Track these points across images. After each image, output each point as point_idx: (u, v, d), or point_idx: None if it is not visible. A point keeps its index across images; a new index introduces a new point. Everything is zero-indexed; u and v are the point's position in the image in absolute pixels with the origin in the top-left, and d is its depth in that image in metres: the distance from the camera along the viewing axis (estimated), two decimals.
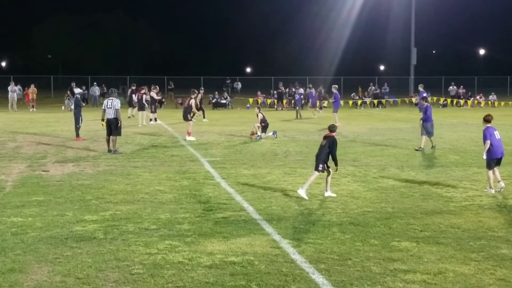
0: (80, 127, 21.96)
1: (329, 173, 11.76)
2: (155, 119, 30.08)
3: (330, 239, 8.66)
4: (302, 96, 39.50)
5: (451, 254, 7.97)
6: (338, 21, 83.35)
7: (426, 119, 19.23)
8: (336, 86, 32.20)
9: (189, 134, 22.02)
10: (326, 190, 11.79)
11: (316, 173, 11.66)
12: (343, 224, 9.54)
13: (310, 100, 40.30)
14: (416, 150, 18.86)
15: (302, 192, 11.50)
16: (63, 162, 16.31)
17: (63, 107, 42.73)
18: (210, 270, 7.30)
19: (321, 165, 11.58)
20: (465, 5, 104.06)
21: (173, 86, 57.75)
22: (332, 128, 11.89)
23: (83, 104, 22.76)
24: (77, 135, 21.84)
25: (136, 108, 30.34)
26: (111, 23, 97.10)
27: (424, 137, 19.05)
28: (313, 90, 41.72)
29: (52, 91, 61.84)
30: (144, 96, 29.70)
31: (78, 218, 9.85)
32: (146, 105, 29.60)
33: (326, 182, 11.82)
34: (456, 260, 7.70)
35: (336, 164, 11.80)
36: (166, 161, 16.38)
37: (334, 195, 11.69)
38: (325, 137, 11.81)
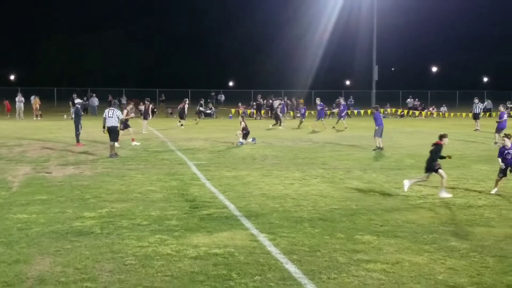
0: (79, 133, 21.77)
1: (442, 176, 11.53)
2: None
3: (301, 233, 8.66)
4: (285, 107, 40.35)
5: (407, 246, 8.01)
6: (312, 42, 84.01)
7: (380, 124, 20.88)
8: (319, 98, 34.08)
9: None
10: (441, 192, 11.54)
11: (441, 172, 11.50)
12: (313, 219, 9.55)
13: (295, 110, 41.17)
14: (374, 150, 20.19)
15: (443, 193, 11.44)
16: (65, 165, 16.14)
17: (65, 116, 42.33)
18: (195, 261, 7.25)
19: (437, 165, 11.45)
20: (421, 27, 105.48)
21: (164, 98, 57.53)
22: (442, 136, 11.74)
23: (82, 113, 22.69)
24: (77, 141, 21.63)
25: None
26: (109, 41, 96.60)
27: (377, 138, 20.67)
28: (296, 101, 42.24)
29: (55, 102, 61.29)
30: (150, 106, 30.38)
31: (77, 215, 9.75)
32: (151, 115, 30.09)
33: (441, 184, 11.57)
34: (411, 251, 7.73)
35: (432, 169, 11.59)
36: (157, 164, 16.28)
37: (449, 195, 11.42)
38: (433, 144, 11.72)
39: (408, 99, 55.22)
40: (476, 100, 34.21)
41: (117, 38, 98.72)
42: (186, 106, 33.03)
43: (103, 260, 7.27)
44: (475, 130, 30.90)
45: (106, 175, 14.22)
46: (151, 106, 30.96)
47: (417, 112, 50.19)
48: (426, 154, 18.96)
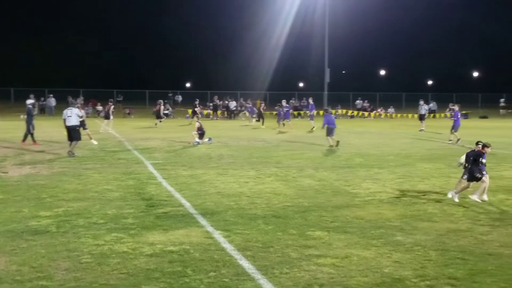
0: (33, 133, 21.25)
1: (483, 182, 10.92)
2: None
3: (255, 230, 8.67)
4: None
5: (355, 241, 8.12)
6: (268, 45, 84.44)
7: (331, 124, 22.13)
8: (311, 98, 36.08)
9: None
10: (475, 194, 10.94)
11: (485, 178, 10.86)
12: (266, 216, 9.58)
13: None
14: (329, 147, 21.10)
15: (477, 197, 10.88)
16: (21, 164, 15.71)
17: (21, 116, 41.19)
18: (151, 258, 7.17)
19: (478, 174, 10.79)
20: (370, 33, 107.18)
21: (121, 99, 56.70)
22: (485, 145, 11.10)
23: (34, 112, 22.36)
24: (33, 140, 21.12)
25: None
26: (67, 41, 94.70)
27: (329, 138, 21.71)
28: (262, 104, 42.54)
29: (12, 102, 59.61)
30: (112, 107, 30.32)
31: (33, 214, 9.50)
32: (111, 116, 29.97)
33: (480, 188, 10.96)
34: (360, 246, 7.85)
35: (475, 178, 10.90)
36: (114, 164, 16.03)
37: (480, 199, 10.87)
38: (474, 152, 11.07)
39: (358, 101, 56.10)
40: (422, 102, 34.98)
41: (75, 39, 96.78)
42: (162, 107, 36.11)
43: (59, 258, 7.11)
44: (420, 130, 31.60)
45: (62, 174, 13.92)
46: (112, 106, 30.58)
47: (366, 113, 51.03)
48: (374, 153, 19.47)
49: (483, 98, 73.18)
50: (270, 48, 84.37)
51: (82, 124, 21.95)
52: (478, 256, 7.43)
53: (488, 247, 7.86)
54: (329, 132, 21.84)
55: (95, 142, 21.25)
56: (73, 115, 18.06)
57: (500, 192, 12.01)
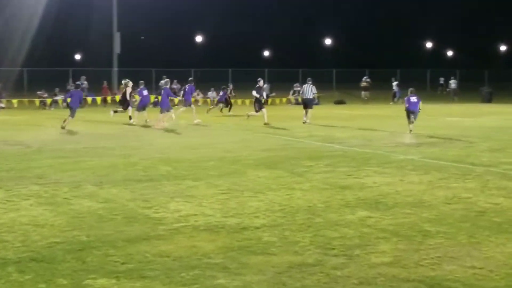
0: None
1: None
2: None
3: (4, 282, 8.31)
4: None
5: None
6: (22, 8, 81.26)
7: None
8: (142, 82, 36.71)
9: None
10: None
11: None
12: (22, 261, 9.23)
13: None
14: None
15: None
16: None
17: None
18: None
19: None
20: None
21: None
22: None
23: None
24: None
25: None
26: None
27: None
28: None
29: None
30: None
31: None
32: None
33: None
34: None
35: None
36: None
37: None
38: None
39: (163, 81, 56.09)
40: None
41: None
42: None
43: None
44: (303, 123, 33.24)
45: None
46: None
47: (176, 100, 51.67)
48: (187, 157, 19.81)
49: (338, 76, 78.28)
50: (25, 12, 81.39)
51: None
52: None
53: (344, 286, 8.34)
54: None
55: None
56: None
57: (360, 208, 12.83)
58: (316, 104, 46.42)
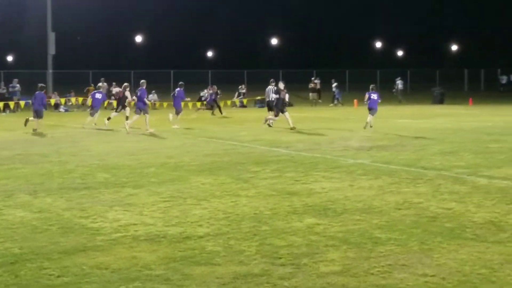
0: None
1: None
2: None
3: None
4: None
5: None
6: None
7: None
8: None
9: None
10: None
11: None
12: None
13: None
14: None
15: None
16: None
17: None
18: None
19: None
20: None
21: None
22: None
23: None
24: None
25: None
26: None
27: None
28: None
29: None
30: None
31: None
32: None
33: None
34: None
35: None
36: None
37: None
38: None
39: (100, 83, 55.50)
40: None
41: None
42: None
43: None
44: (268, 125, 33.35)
45: None
46: None
47: (114, 102, 51.24)
48: (127, 164, 19.71)
49: (285, 77, 78.46)
50: None
51: None
52: None
53: None
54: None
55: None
56: None
57: (308, 215, 12.90)
58: (290, 105, 46.72)
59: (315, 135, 29.43)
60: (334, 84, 62.21)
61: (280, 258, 10.03)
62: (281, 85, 33.76)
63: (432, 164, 19.57)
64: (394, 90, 69.37)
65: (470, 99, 61.09)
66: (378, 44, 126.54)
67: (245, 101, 57.35)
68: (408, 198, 14.39)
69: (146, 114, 32.30)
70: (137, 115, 32.94)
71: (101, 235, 11.38)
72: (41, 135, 30.35)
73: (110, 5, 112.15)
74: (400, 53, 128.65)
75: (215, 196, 14.82)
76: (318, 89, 62.96)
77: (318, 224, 12.17)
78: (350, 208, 13.41)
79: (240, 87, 60.08)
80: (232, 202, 14.15)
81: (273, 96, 35.03)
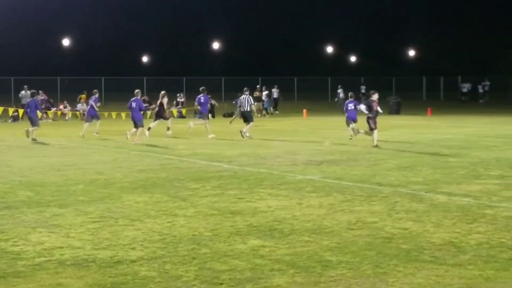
0: None
1: None
2: None
3: None
4: None
5: None
6: None
7: None
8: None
9: None
10: None
11: None
12: None
13: None
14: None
15: None
16: None
17: None
18: None
19: None
20: None
21: None
22: None
23: None
24: None
25: None
26: None
27: None
28: None
29: None
30: None
31: None
32: None
33: None
34: None
35: None
36: None
37: None
38: None
39: (23, 91, 54.75)
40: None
41: None
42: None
43: None
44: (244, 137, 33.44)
45: None
46: None
47: (50, 112, 50.78)
48: (52, 180, 19.49)
49: (227, 84, 78.71)
50: None
51: None
52: None
53: None
54: None
55: None
56: None
57: (252, 236, 12.86)
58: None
59: (260, 148, 29.40)
60: (265, 92, 62.42)
61: (221, 284, 9.99)
62: (375, 96, 32.57)
63: (388, 180, 19.69)
64: (336, 99, 69.98)
65: (429, 109, 61.55)
66: (330, 49, 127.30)
67: (184, 111, 57.20)
68: (362, 217, 14.45)
69: (98, 120, 37.49)
70: (88, 123, 36.73)
71: (23, 260, 11.21)
72: None
73: (36, 6, 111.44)
74: (353, 58, 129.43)
75: (150, 216, 14.72)
76: (275, 98, 63.80)
77: (263, 246, 12.15)
78: (298, 229, 13.42)
79: (178, 95, 59.95)
80: (168, 222, 14.07)
81: (247, 106, 35.84)
